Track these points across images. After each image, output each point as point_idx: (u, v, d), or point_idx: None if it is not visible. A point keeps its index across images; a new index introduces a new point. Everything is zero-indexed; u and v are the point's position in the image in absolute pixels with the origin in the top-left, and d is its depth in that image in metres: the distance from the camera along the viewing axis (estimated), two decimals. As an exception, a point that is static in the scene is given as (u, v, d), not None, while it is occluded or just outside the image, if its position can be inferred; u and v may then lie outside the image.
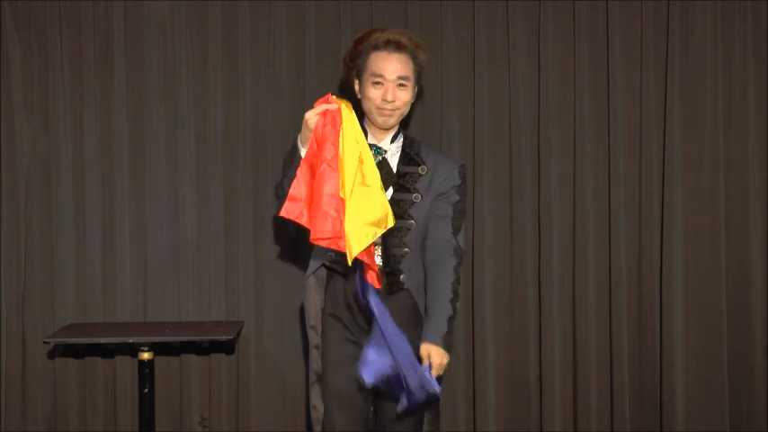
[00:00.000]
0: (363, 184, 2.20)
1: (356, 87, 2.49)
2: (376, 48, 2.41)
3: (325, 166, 2.17)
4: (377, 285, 2.26)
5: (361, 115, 2.48)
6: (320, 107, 2.24)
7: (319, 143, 2.21)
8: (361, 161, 2.21)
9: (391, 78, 2.39)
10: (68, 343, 3.02)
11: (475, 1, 3.18)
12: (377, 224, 2.19)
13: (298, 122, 3.10)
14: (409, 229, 2.43)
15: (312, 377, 2.49)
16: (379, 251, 2.43)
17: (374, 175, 2.23)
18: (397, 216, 2.31)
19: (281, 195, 2.38)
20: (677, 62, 3.17)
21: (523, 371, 3.20)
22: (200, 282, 3.19)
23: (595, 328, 3.19)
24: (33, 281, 3.16)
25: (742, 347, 3.20)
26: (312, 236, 2.16)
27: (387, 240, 2.41)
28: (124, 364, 3.17)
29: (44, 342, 2.94)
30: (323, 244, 2.18)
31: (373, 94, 2.40)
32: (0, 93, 3.14)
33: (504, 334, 3.19)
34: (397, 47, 2.40)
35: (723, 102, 3.19)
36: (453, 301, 2.41)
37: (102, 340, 2.85)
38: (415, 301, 2.47)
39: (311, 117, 2.24)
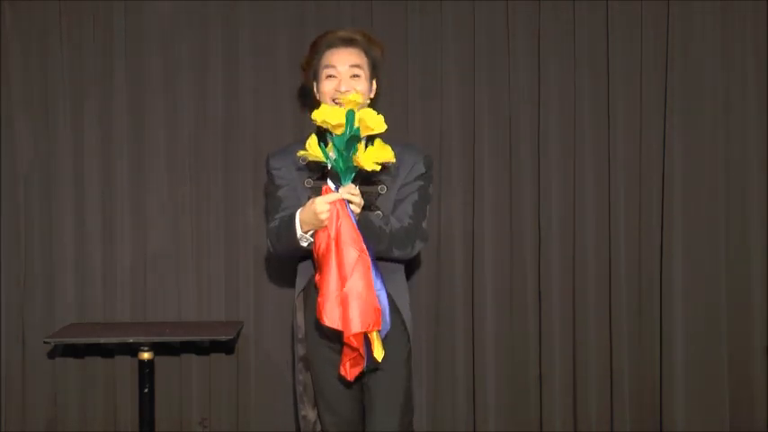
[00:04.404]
0: None
1: (314, 90, 2.43)
2: (329, 46, 2.38)
3: (356, 255, 2.08)
4: (349, 376, 2.16)
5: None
6: (331, 195, 2.14)
7: (338, 232, 2.11)
8: None
9: (343, 69, 2.33)
10: (68, 343, 3.02)
11: (475, 1, 3.18)
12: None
13: (297, 122, 3.15)
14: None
15: (299, 388, 2.45)
16: None
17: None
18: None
19: (273, 242, 2.36)
20: (677, 62, 3.17)
21: (523, 371, 3.20)
22: (200, 282, 3.19)
23: (595, 327, 3.19)
24: (33, 281, 3.16)
25: (742, 347, 3.20)
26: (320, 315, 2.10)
27: None
28: (124, 364, 3.17)
29: (44, 342, 2.94)
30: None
31: (327, 87, 2.34)
32: (0, 93, 3.14)
33: (504, 334, 3.19)
34: (349, 42, 2.37)
35: (723, 102, 3.19)
36: (387, 231, 2.29)
37: (103, 340, 2.85)
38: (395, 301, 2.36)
39: (323, 208, 2.14)
